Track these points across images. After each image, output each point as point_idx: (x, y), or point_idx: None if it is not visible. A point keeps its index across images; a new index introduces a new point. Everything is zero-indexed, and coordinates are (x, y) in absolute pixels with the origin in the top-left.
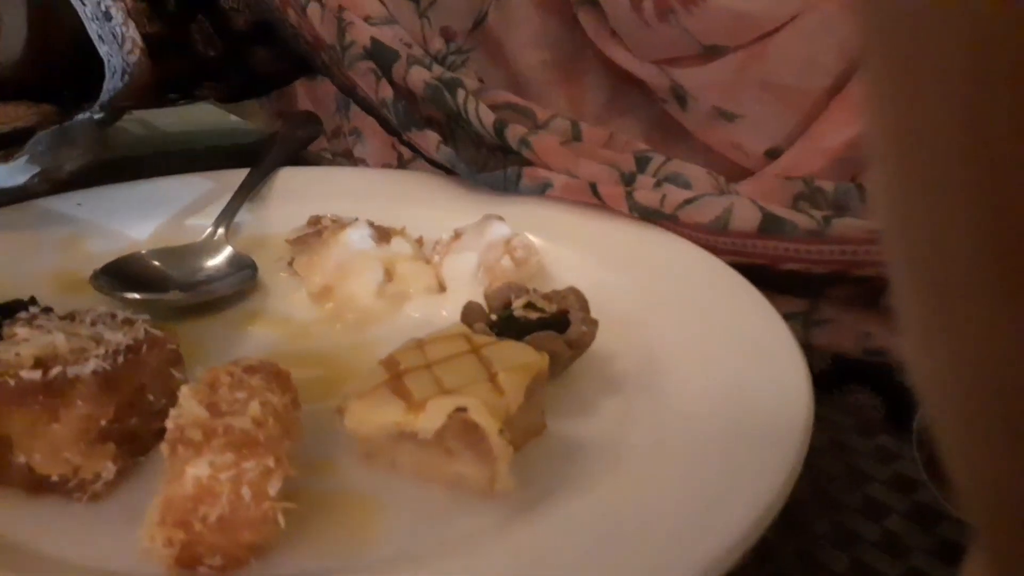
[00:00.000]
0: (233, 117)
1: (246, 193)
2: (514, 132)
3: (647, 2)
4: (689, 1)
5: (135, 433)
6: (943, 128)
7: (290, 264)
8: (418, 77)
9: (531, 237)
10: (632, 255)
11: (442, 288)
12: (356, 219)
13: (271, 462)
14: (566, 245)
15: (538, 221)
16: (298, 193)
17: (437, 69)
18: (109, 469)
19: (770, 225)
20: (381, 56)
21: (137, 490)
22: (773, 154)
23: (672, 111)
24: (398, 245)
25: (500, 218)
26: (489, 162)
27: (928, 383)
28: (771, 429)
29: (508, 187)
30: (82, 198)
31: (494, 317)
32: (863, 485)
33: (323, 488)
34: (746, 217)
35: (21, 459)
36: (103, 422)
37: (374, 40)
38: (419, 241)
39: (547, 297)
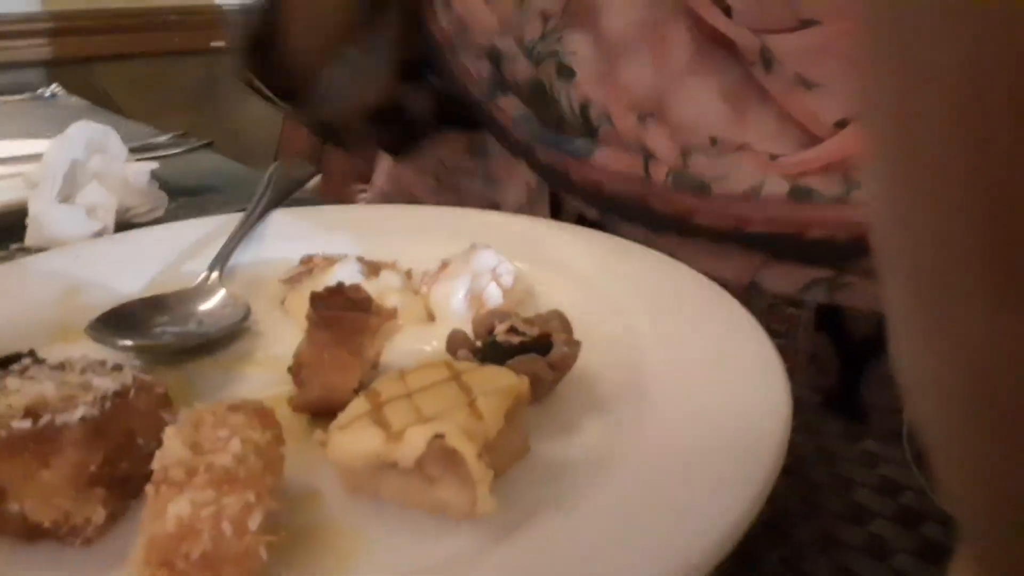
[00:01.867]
0: (238, 165)
1: (239, 236)
2: (596, 111)
3: None
4: None
5: (126, 477)
6: (939, 129)
7: (283, 304)
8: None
9: (518, 263)
10: (618, 277)
11: (431, 318)
12: (345, 256)
13: (252, 497)
14: (552, 270)
15: (525, 247)
16: (292, 234)
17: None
18: (100, 514)
19: (799, 193)
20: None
21: (130, 532)
22: (842, 125)
23: (757, 74)
24: (387, 278)
25: (487, 246)
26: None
27: (919, 384)
28: (749, 442)
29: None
30: (79, 251)
31: (478, 344)
32: (848, 491)
33: (309, 521)
34: (776, 185)
35: (15, 507)
36: (92, 467)
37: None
38: (408, 274)
39: (529, 321)
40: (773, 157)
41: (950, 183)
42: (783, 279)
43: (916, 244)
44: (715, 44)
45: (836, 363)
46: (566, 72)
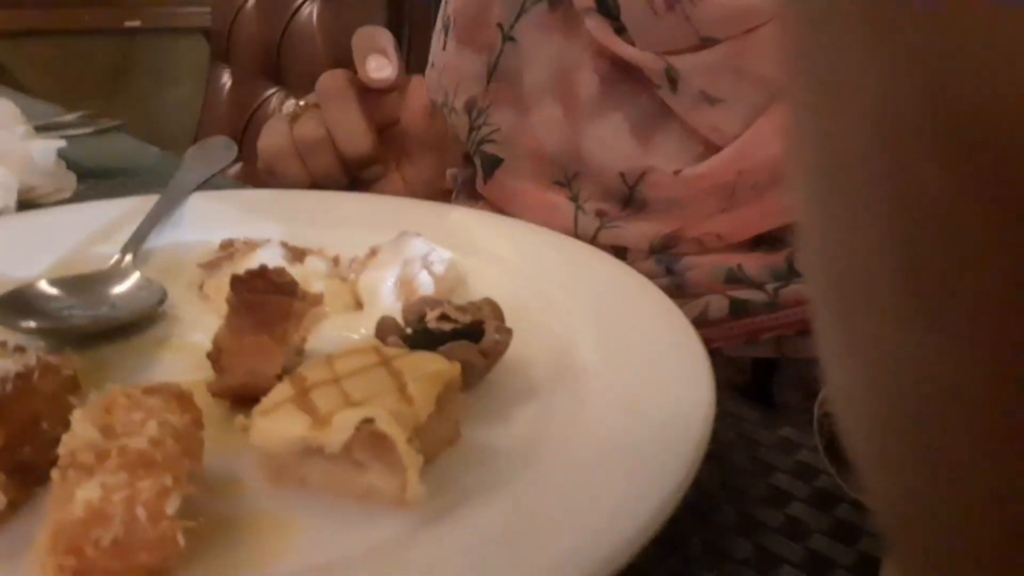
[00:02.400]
0: (153, 148)
1: (155, 218)
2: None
3: None
4: None
5: (29, 463)
6: (858, 145)
7: (201, 288)
8: None
9: (449, 252)
10: (550, 267)
11: (359, 306)
12: (268, 240)
13: (168, 480)
14: (484, 258)
15: (455, 235)
16: (211, 218)
17: None
18: (0, 500)
19: (737, 307)
20: None
21: (34, 522)
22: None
23: (664, 96)
24: (313, 264)
25: (417, 234)
26: None
27: (841, 396)
28: (675, 430)
29: None
30: None
31: (409, 331)
32: (767, 475)
33: (230, 508)
34: (719, 307)
35: None
36: None
37: None
38: (336, 260)
39: (461, 309)
40: (676, 173)
41: (866, 199)
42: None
43: (836, 257)
44: (620, 77)
45: (749, 362)
46: (490, 163)
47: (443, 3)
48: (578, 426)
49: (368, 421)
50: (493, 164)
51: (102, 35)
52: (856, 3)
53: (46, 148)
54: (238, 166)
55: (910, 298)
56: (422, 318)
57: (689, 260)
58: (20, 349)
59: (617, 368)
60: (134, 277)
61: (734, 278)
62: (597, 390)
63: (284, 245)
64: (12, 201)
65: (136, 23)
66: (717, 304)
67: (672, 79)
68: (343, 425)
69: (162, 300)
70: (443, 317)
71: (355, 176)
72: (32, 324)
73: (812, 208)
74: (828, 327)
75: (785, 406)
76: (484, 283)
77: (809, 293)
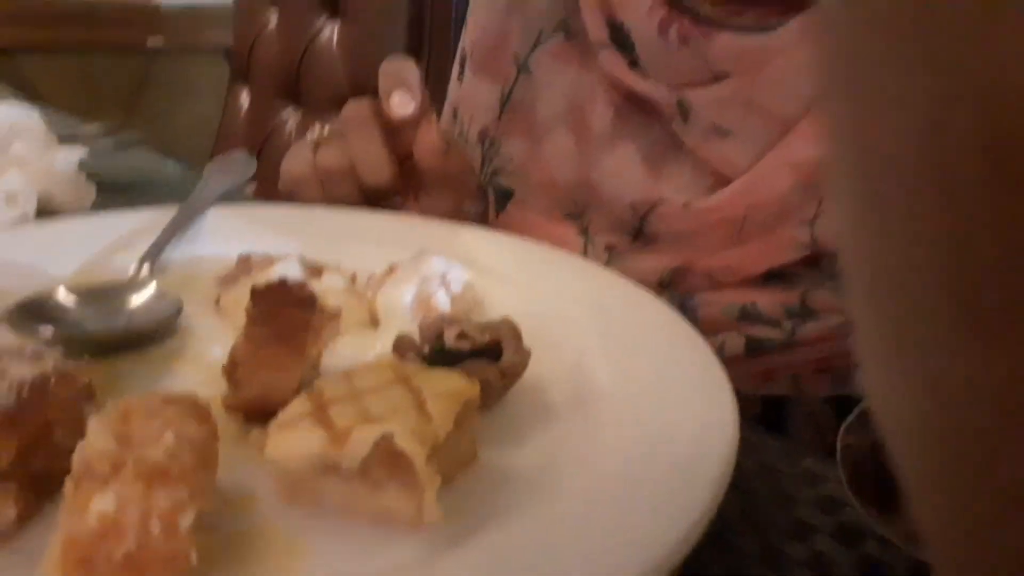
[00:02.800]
0: (172, 162)
1: (174, 231)
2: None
3: (672, 30)
4: (706, 31)
5: (41, 473)
6: (906, 156)
7: (217, 303)
8: None
9: (467, 271)
10: (567, 288)
11: (375, 323)
12: (286, 255)
13: (184, 494)
14: (502, 279)
15: (474, 255)
16: (229, 232)
17: None
18: (10, 511)
19: (753, 346)
20: None
21: (45, 534)
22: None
23: (676, 128)
24: (329, 280)
25: (436, 252)
26: None
27: (892, 422)
28: (697, 456)
29: None
30: None
31: (426, 349)
32: (790, 507)
33: (242, 526)
34: (735, 345)
35: None
36: (4, 461)
37: None
38: (353, 277)
39: (479, 328)
40: (685, 205)
41: (917, 211)
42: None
43: (885, 275)
44: (632, 109)
45: (760, 396)
46: (502, 195)
47: (461, 36)
48: (598, 451)
49: (387, 438)
50: (505, 196)
51: (125, 53)
52: (904, 13)
53: (67, 158)
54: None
55: (964, 308)
56: (440, 336)
57: (701, 297)
58: (37, 355)
59: (636, 391)
60: (151, 289)
61: (748, 316)
62: (616, 413)
63: (302, 261)
64: (31, 209)
65: (159, 42)
66: (732, 342)
67: (684, 112)
68: (361, 441)
69: (178, 313)
70: (461, 335)
71: (374, 205)
72: (49, 332)
73: (854, 219)
74: (878, 351)
75: (798, 441)
76: (501, 303)
77: (853, 308)
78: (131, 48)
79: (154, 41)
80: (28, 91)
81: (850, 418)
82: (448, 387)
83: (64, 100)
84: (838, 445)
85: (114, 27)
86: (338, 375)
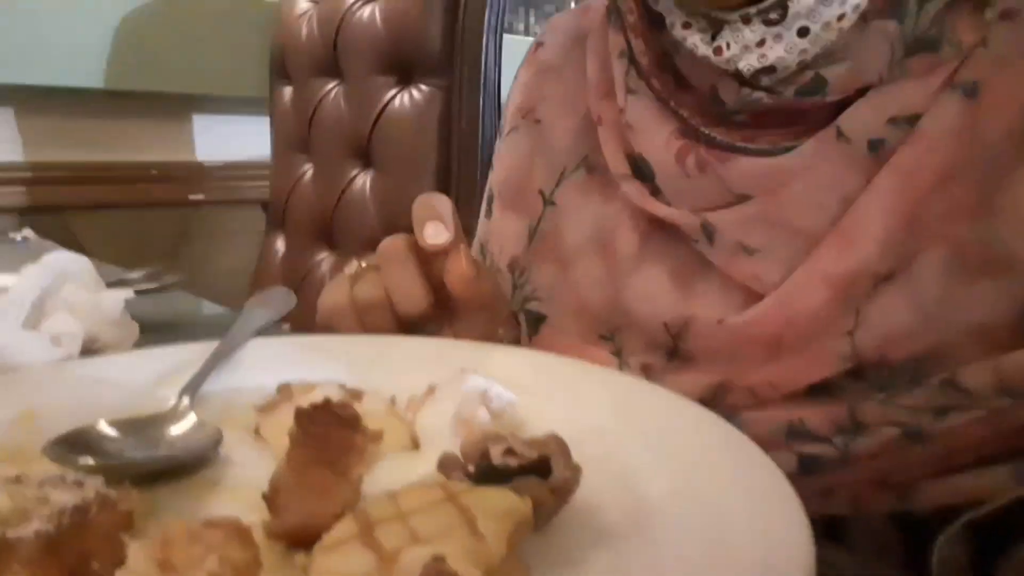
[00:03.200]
0: (213, 304)
1: (214, 363)
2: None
3: (690, 159)
4: (723, 157)
5: None
6: None
7: (257, 432)
8: None
9: (507, 388)
10: (611, 402)
11: (416, 445)
12: (327, 381)
13: None
14: (543, 396)
15: (514, 372)
16: (268, 362)
17: None
18: None
19: (807, 464)
20: None
21: None
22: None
23: (702, 248)
24: (369, 403)
25: (475, 371)
26: None
27: None
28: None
29: None
30: (40, 374)
31: (472, 467)
32: None
33: None
34: (787, 464)
35: None
36: None
37: None
38: (392, 400)
39: (527, 443)
40: (720, 322)
41: None
42: None
43: None
44: (657, 233)
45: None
46: (534, 319)
47: (489, 177)
48: (660, 572)
49: (438, 559)
50: (538, 321)
51: (168, 207)
52: None
53: (114, 298)
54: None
55: None
56: (485, 454)
57: (747, 416)
58: (79, 483)
59: (695, 508)
60: (190, 420)
61: (796, 433)
62: (676, 532)
63: (341, 387)
64: (76, 349)
65: (200, 196)
66: (785, 461)
67: (708, 233)
68: (411, 563)
69: (218, 442)
70: (508, 452)
71: (409, 334)
72: (89, 461)
73: None
74: None
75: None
76: (544, 420)
77: None
78: (175, 204)
79: (195, 196)
80: (74, 246)
81: (950, 529)
82: (500, 505)
83: (109, 254)
84: (935, 557)
85: (160, 184)
86: (383, 496)
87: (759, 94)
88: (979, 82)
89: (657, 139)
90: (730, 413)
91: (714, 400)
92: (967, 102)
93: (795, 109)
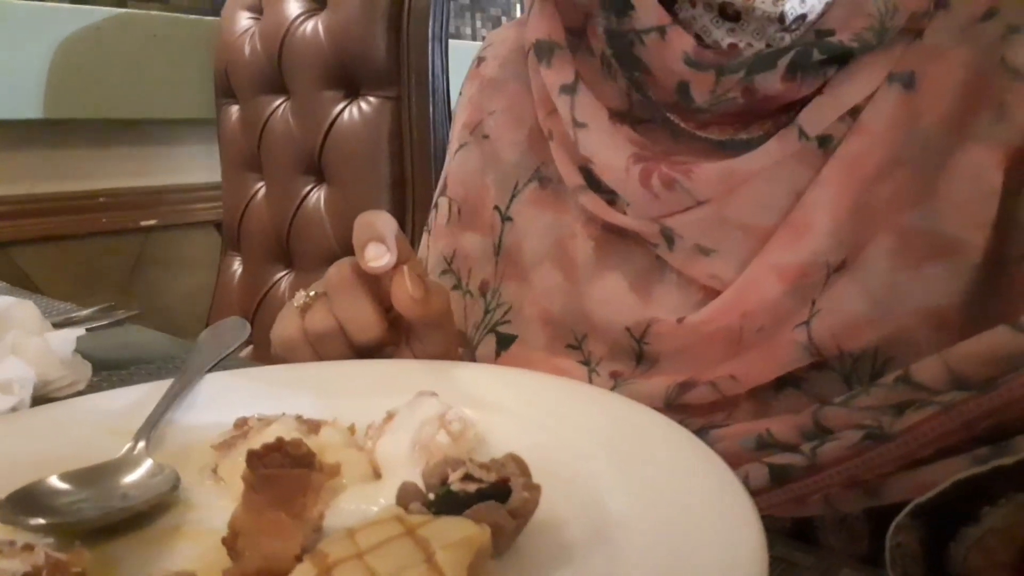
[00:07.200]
0: (165, 336)
1: (168, 403)
2: None
3: (654, 179)
4: (688, 170)
5: None
6: None
7: (215, 471)
8: None
9: (466, 409)
10: (573, 416)
11: (377, 475)
12: (282, 415)
13: None
14: (503, 412)
15: (472, 393)
16: (224, 397)
17: None
18: None
19: (777, 474)
20: None
21: None
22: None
23: (661, 252)
24: (327, 435)
25: (433, 394)
26: None
27: None
28: None
29: None
30: None
31: (431, 496)
32: None
33: None
34: (759, 475)
35: None
36: None
37: None
38: (351, 429)
39: (485, 467)
40: (680, 321)
41: None
42: None
43: None
44: (612, 239)
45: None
46: (505, 340)
47: (440, 181)
48: None
49: None
50: (508, 341)
51: (119, 235)
52: None
53: (64, 339)
54: (249, 348)
55: None
56: (444, 481)
57: (716, 433)
58: (28, 548)
59: (655, 520)
60: (146, 464)
61: (765, 444)
62: (638, 547)
63: (299, 419)
64: (27, 396)
65: (152, 222)
66: (756, 472)
67: (668, 239)
68: None
69: (175, 486)
70: (467, 477)
71: (367, 359)
72: (41, 521)
73: None
74: None
75: (829, 549)
76: (505, 438)
77: None
78: (126, 231)
79: (147, 222)
80: (23, 282)
81: (899, 518)
82: (457, 535)
83: (60, 287)
84: (887, 546)
85: (110, 212)
86: (341, 534)
87: (733, 94)
88: (916, 72)
89: (616, 165)
90: (701, 430)
91: (679, 397)
92: (905, 92)
93: (761, 109)
